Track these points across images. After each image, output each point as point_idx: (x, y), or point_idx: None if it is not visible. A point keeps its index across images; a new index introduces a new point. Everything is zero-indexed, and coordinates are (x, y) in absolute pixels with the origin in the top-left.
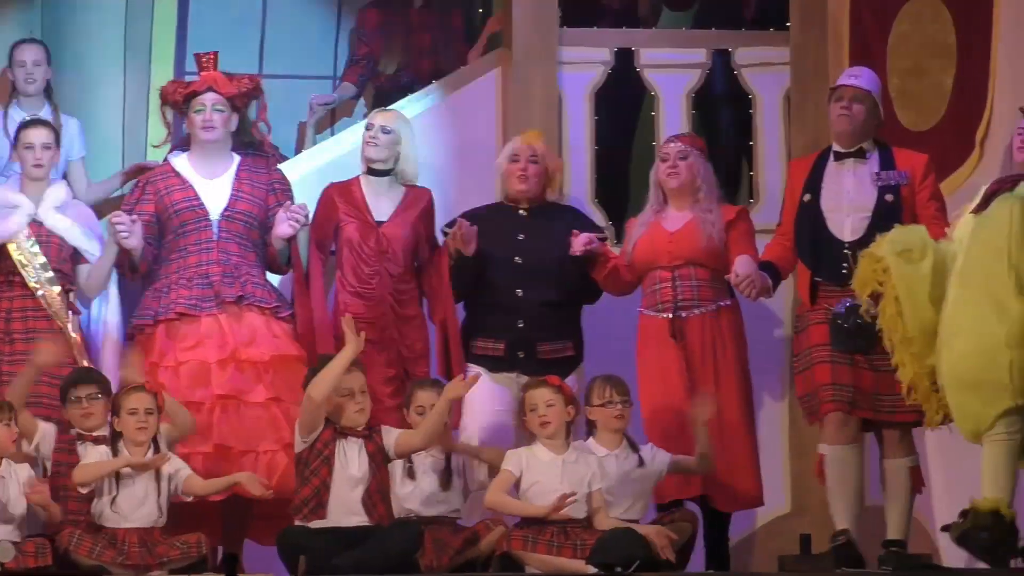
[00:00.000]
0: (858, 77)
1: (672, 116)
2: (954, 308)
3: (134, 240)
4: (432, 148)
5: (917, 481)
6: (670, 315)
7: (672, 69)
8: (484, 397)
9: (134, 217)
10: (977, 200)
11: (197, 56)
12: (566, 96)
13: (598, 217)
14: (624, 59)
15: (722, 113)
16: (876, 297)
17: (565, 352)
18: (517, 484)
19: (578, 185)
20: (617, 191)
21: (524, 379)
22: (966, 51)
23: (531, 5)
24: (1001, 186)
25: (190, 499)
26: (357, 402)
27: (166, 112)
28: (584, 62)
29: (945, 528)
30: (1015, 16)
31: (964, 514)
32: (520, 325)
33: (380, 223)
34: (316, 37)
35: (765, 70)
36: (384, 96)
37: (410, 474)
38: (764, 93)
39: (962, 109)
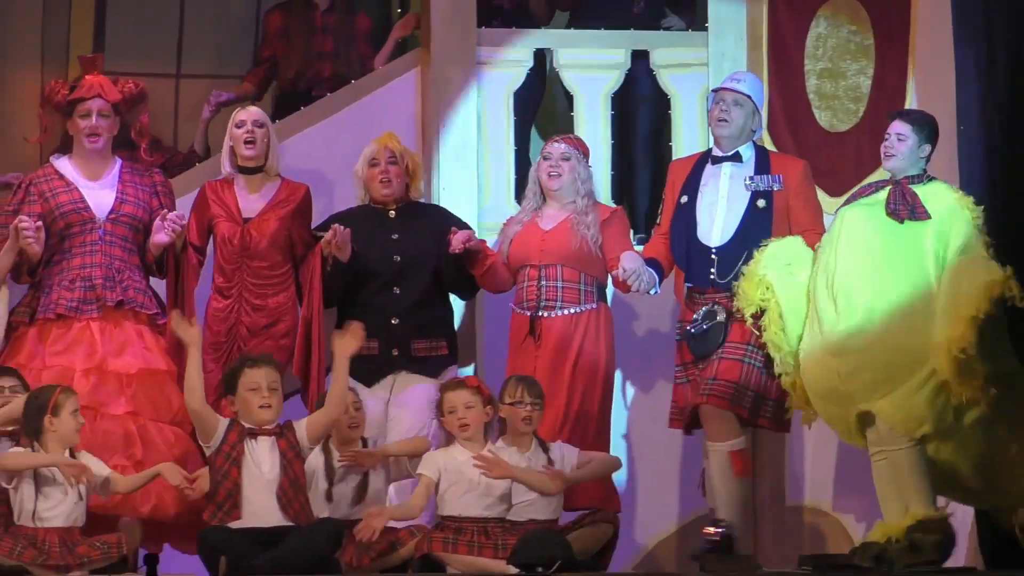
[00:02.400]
0: (740, 81)
1: (591, 116)
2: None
3: (39, 247)
4: (349, 150)
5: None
6: (532, 313)
7: (591, 70)
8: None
9: (39, 223)
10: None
11: (81, 58)
12: (485, 97)
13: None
14: (543, 59)
15: (641, 114)
16: (757, 314)
17: (439, 351)
18: (436, 486)
19: (498, 186)
20: None
21: (400, 375)
22: (884, 52)
23: (449, 6)
24: (862, 194)
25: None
26: (263, 397)
27: (46, 110)
28: (503, 62)
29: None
30: (932, 16)
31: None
32: (395, 322)
33: (248, 220)
34: (234, 37)
35: (683, 71)
36: (287, 99)
37: (328, 497)
38: (683, 94)
39: (880, 110)
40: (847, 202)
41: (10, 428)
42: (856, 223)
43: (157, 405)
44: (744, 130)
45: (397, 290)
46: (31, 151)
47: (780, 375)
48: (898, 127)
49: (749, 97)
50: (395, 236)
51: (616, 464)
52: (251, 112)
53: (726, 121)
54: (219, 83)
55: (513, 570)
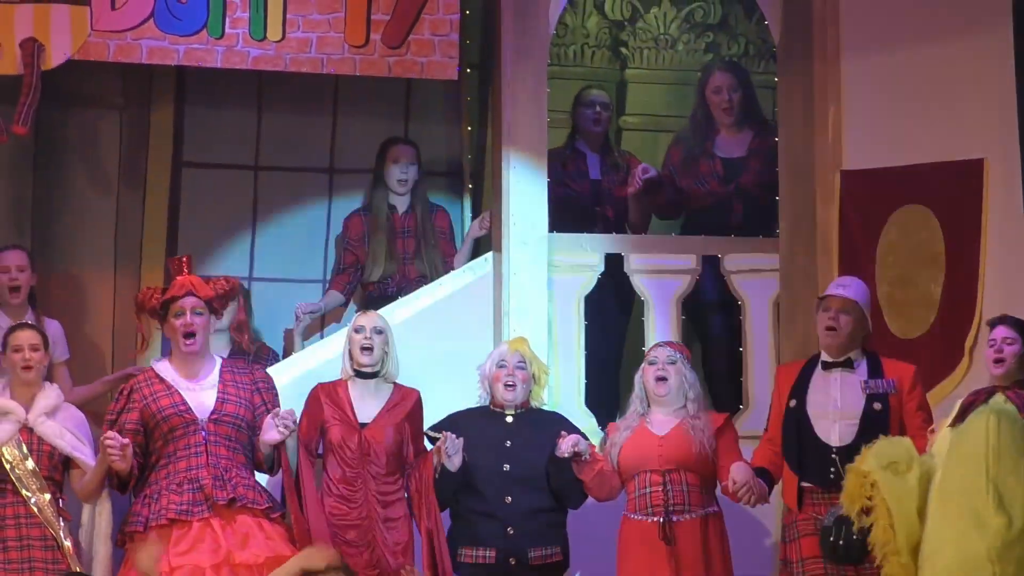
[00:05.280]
0: (846, 288)
1: (662, 321)
2: (935, 523)
3: (124, 464)
4: (423, 351)
5: None
6: (660, 519)
7: (662, 275)
8: None
9: (126, 441)
10: (954, 414)
11: (170, 260)
12: (557, 301)
13: (588, 423)
14: (614, 264)
15: (711, 319)
16: (865, 511)
17: (554, 558)
18: None
19: (568, 391)
20: (607, 397)
21: None
22: (955, 260)
23: (522, 209)
24: (976, 398)
25: None
26: None
27: (143, 319)
28: (575, 267)
29: None
30: (1003, 225)
31: None
32: (510, 532)
33: (364, 425)
34: (306, 242)
35: (754, 276)
36: (373, 303)
37: None
38: (753, 299)
39: (951, 318)
40: (963, 411)
41: None
42: (1002, 426)
43: None
44: (853, 337)
45: (509, 499)
46: (105, 351)
47: None
48: (1004, 331)
49: (856, 303)
50: (508, 443)
51: None
52: (371, 318)
53: (835, 329)
54: (290, 286)
55: None
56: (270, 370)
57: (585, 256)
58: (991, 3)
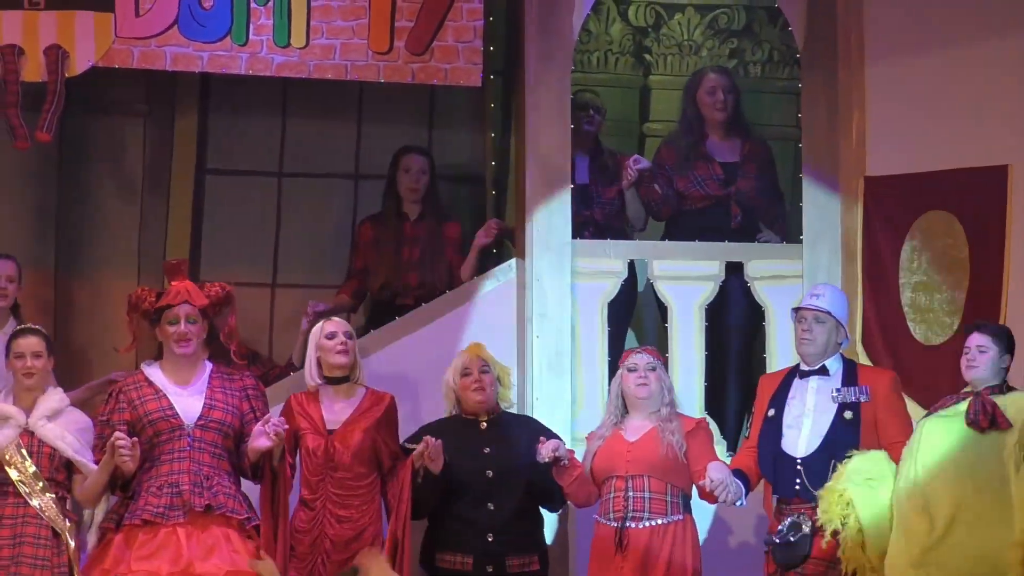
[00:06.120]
0: (819, 297)
1: (685, 328)
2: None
3: (134, 464)
4: (447, 357)
5: None
6: (618, 524)
7: (685, 281)
8: None
9: (134, 440)
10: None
11: (165, 264)
12: (580, 307)
13: None
14: (637, 271)
15: (735, 325)
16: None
17: (532, 566)
18: None
19: (592, 396)
20: None
21: None
22: (979, 266)
23: (545, 217)
24: (944, 404)
25: None
26: None
27: (133, 318)
28: (598, 273)
29: None
30: None
31: None
32: (489, 539)
33: (332, 431)
34: (330, 248)
35: (778, 283)
36: (380, 308)
37: None
38: (777, 306)
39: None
40: (928, 414)
41: None
42: (937, 434)
43: None
44: (828, 345)
45: (491, 505)
46: (127, 358)
47: None
48: (978, 339)
49: (829, 313)
50: (487, 449)
51: None
52: (340, 323)
53: (809, 340)
54: (314, 292)
55: None
56: None
57: (608, 262)
58: (1016, 9)
